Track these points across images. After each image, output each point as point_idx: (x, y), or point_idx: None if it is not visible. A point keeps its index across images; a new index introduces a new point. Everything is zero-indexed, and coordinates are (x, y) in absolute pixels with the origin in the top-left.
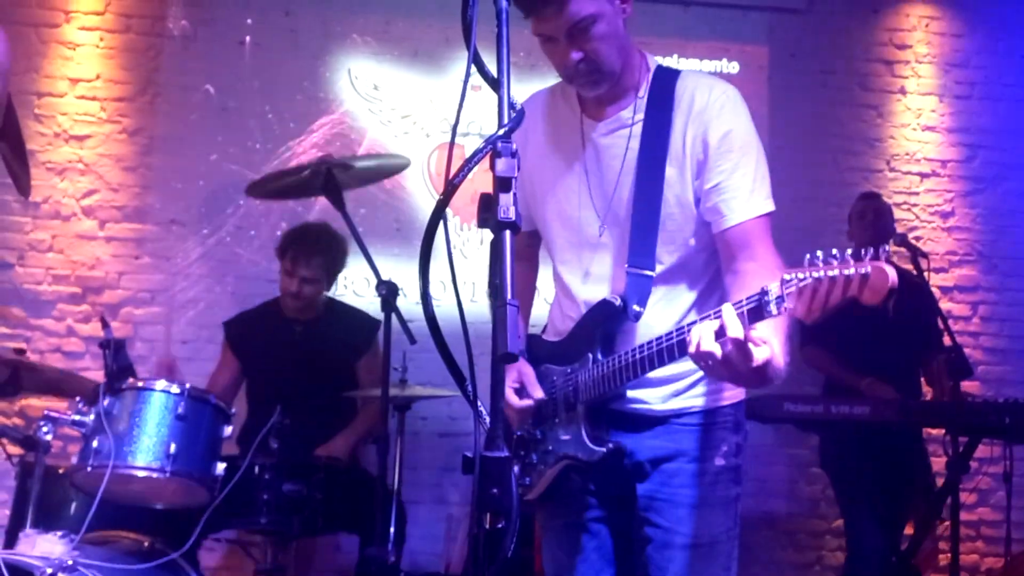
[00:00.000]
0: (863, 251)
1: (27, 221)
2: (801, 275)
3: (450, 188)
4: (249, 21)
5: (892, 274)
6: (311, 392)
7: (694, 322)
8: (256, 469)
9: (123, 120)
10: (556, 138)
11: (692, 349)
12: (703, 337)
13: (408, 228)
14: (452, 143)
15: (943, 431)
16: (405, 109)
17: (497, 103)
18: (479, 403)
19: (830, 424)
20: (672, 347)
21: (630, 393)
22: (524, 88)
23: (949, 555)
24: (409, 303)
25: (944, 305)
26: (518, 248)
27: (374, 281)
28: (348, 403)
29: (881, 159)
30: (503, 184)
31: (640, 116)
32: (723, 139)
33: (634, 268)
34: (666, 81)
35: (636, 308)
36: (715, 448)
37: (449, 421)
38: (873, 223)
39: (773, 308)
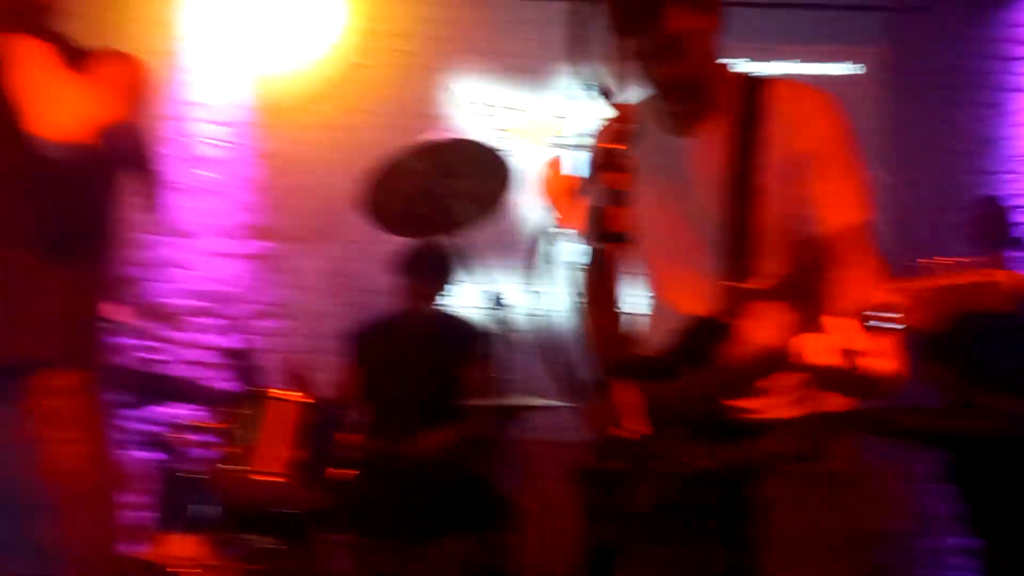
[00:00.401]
0: (984, 256)
1: (158, 238)
2: (920, 283)
3: (563, 201)
4: (362, 43)
5: (1018, 279)
6: (424, 403)
7: (801, 333)
8: (372, 475)
9: (249, 144)
10: (644, 153)
11: (803, 360)
12: (814, 348)
13: (514, 240)
14: (557, 156)
15: None
16: (513, 123)
17: (606, 116)
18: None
19: (964, 440)
20: (781, 359)
21: (737, 403)
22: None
23: None
24: (515, 313)
25: None
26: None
27: (482, 292)
28: (461, 413)
29: (997, 159)
30: (613, 197)
31: (729, 128)
32: (817, 146)
33: (731, 281)
34: (755, 90)
35: (735, 322)
36: (829, 452)
37: (559, 431)
38: (992, 227)
39: (887, 318)
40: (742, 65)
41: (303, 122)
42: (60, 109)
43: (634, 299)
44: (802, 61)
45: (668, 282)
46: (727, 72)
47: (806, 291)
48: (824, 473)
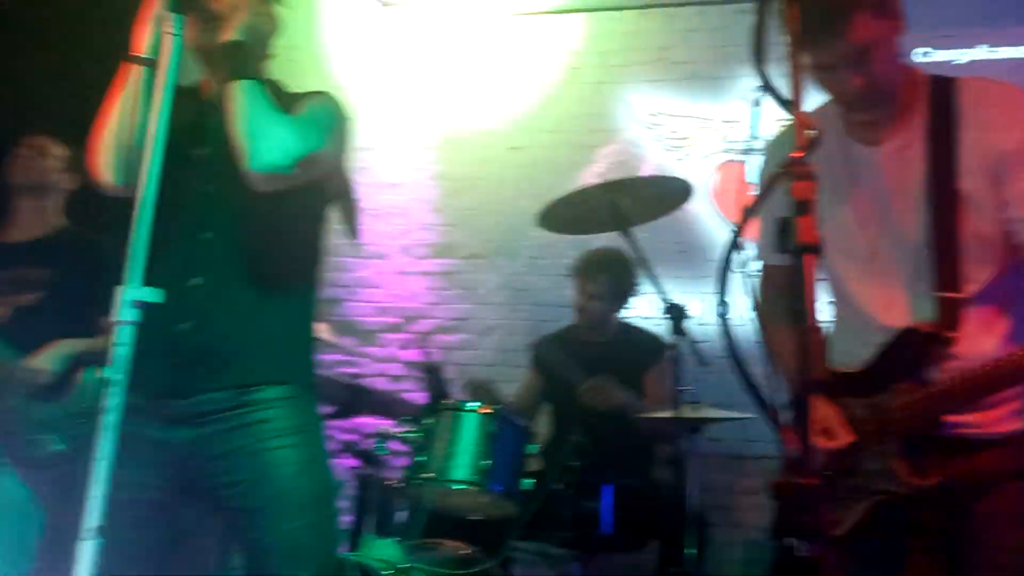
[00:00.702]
0: None
1: (354, 261)
2: None
3: (747, 214)
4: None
5: None
6: (606, 413)
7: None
8: (559, 486)
9: (431, 166)
10: (829, 163)
11: None
12: None
13: (691, 250)
14: (734, 164)
15: None
16: (684, 132)
17: (791, 123)
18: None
19: None
20: (1004, 370)
21: (955, 418)
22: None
23: None
24: (696, 324)
25: None
26: (779, 278)
27: (659, 304)
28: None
29: None
30: (801, 207)
31: (922, 133)
32: (1017, 145)
33: (941, 292)
34: (945, 92)
35: (948, 334)
36: None
37: (743, 444)
38: None
39: None
40: (924, 57)
41: (480, 143)
42: (272, 146)
43: (822, 311)
44: (990, 46)
45: (863, 294)
46: (913, 74)
47: (1017, 297)
48: None
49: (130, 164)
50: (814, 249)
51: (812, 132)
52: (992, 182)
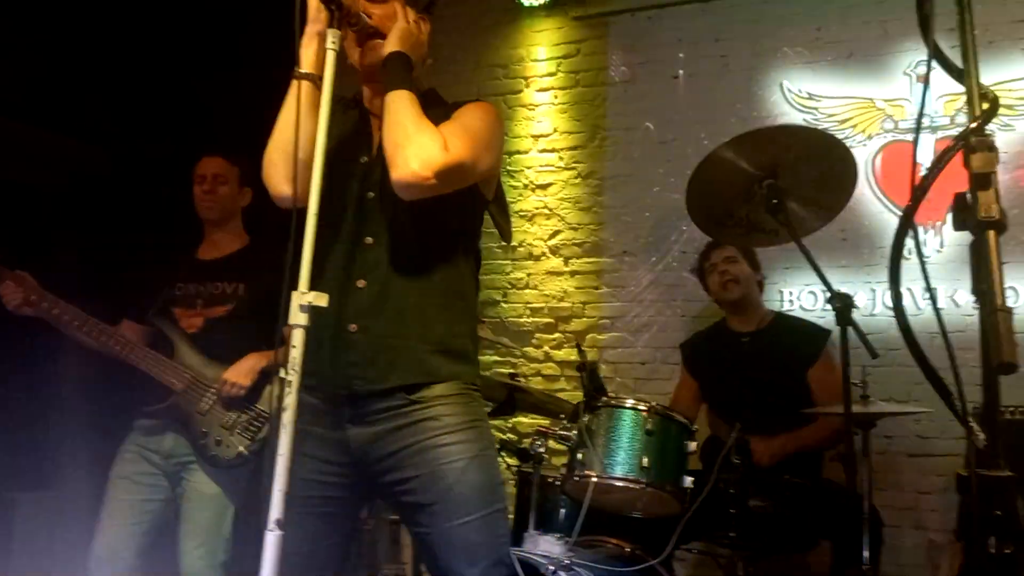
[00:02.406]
0: None
1: (507, 263)
2: None
3: (919, 192)
4: (681, 55)
5: None
6: (767, 408)
7: None
8: (721, 484)
9: (578, 166)
10: None
11: None
12: None
13: (855, 236)
14: (898, 142)
15: None
16: (844, 114)
17: (964, 94)
18: (969, 418)
19: None
20: None
21: None
22: (982, 67)
23: None
24: (862, 315)
25: None
26: None
27: (820, 294)
28: (807, 420)
29: None
30: (981, 181)
31: None
32: None
33: None
34: None
35: None
36: None
37: (918, 440)
38: None
39: None
40: None
41: (627, 139)
42: (414, 155)
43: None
44: None
45: None
46: None
47: None
48: None
49: (300, 176)
50: (996, 225)
51: (990, 100)
52: None
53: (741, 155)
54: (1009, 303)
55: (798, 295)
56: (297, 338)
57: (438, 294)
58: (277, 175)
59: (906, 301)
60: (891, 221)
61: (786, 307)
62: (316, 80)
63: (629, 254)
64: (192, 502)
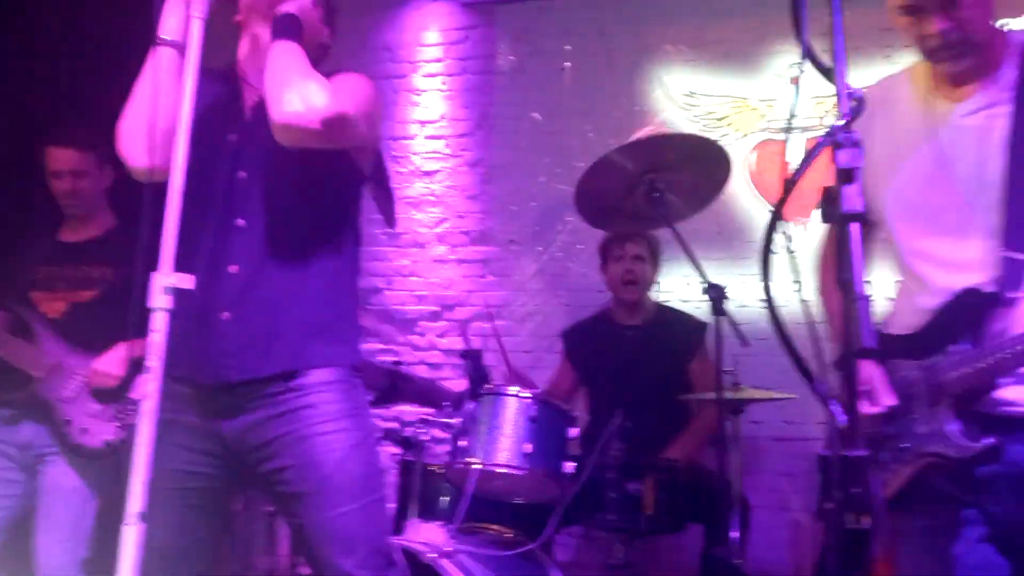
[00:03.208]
0: None
1: (392, 250)
2: None
3: (789, 186)
4: (568, 47)
5: None
6: (647, 396)
7: None
8: (602, 469)
9: (465, 154)
10: (905, 125)
11: None
12: None
13: (729, 230)
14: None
15: None
16: (721, 112)
17: (835, 93)
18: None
19: None
20: None
21: (1002, 394)
22: (850, 71)
23: None
24: (734, 305)
25: None
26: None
27: (696, 286)
28: (683, 406)
29: None
30: (846, 176)
31: (1008, 94)
32: None
33: (1010, 252)
34: None
35: (1011, 295)
36: None
37: (784, 425)
38: None
39: None
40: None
41: (514, 128)
42: (299, 97)
43: (875, 279)
44: None
45: (926, 256)
46: (1003, 35)
47: None
48: None
49: (159, 148)
50: (858, 218)
51: (857, 99)
52: None
53: (628, 159)
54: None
55: (676, 286)
56: (159, 322)
57: (315, 278)
58: (135, 146)
59: (776, 293)
60: (763, 216)
61: (664, 297)
62: (180, 47)
63: (515, 243)
64: (51, 496)
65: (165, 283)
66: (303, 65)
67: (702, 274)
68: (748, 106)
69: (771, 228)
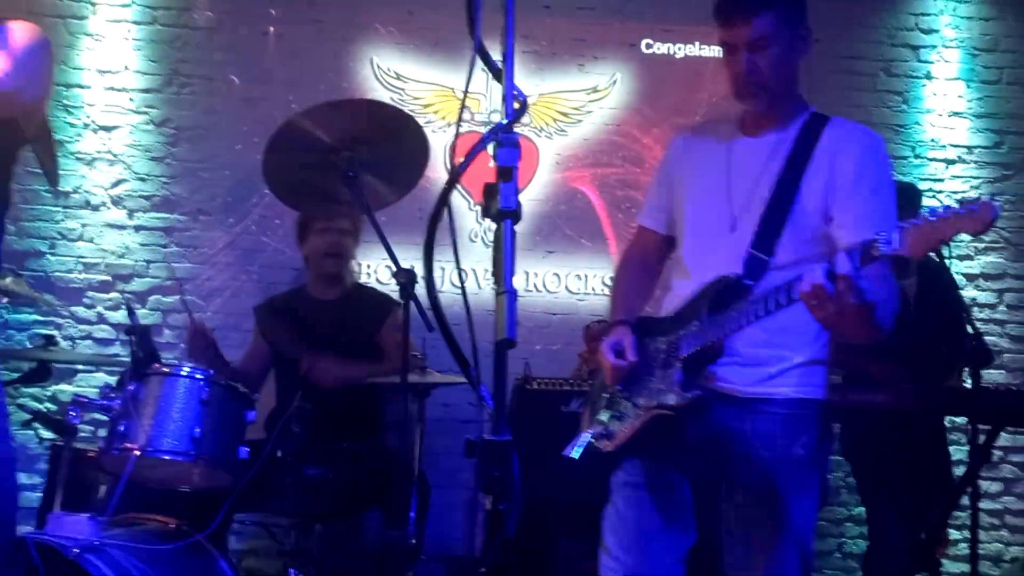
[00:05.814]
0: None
1: (58, 210)
2: (913, 221)
3: (453, 176)
4: (273, 12)
5: (996, 207)
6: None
7: (808, 267)
8: (280, 454)
9: (150, 111)
10: (709, 150)
11: (804, 286)
12: (814, 274)
13: (427, 215)
14: (457, 132)
15: (966, 420)
16: (427, 99)
17: (502, 94)
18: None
19: (850, 412)
20: (785, 288)
21: (720, 372)
22: (544, 76)
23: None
24: (425, 288)
25: (969, 293)
26: (646, 257)
27: (393, 266)
28: (370, 388)
29: (906, 145)
30: (504, 173)
31: (788, 145)
32: (856, 174)
33: (755, 251)
34: (818, 121)
35: (748, 282)
36: (795, 438)
37: (471, 408)
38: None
39: (882, 247)
40: (646, 49)
41: (210, 91)
42: None
43: (652, 293)
44: (701, 43)
45: (696, 252)
46: (797, 99)
47: None
48: (789, 459)
49: None
50: (512, 215)
51: (521, 101)
52: (826, 191)
53: (320, 125)
54: (555, 288)
55: (375, 268)
56: None
57: None
58: None
59: (469, 281)
60: (463, 205)
61: (364, 279)
62: None
63: (204, 213)
64: None
65: None
66: None
67: (394, 258)
68: (453, 96)
69: (436, 213)
